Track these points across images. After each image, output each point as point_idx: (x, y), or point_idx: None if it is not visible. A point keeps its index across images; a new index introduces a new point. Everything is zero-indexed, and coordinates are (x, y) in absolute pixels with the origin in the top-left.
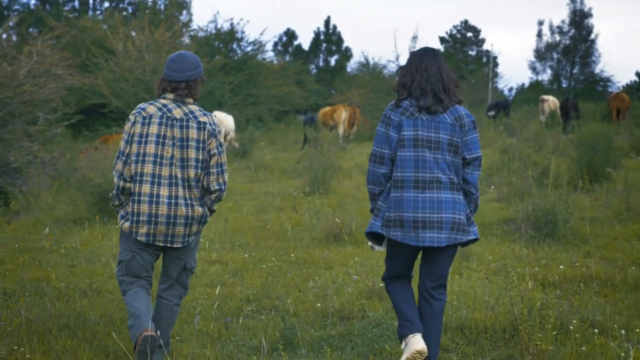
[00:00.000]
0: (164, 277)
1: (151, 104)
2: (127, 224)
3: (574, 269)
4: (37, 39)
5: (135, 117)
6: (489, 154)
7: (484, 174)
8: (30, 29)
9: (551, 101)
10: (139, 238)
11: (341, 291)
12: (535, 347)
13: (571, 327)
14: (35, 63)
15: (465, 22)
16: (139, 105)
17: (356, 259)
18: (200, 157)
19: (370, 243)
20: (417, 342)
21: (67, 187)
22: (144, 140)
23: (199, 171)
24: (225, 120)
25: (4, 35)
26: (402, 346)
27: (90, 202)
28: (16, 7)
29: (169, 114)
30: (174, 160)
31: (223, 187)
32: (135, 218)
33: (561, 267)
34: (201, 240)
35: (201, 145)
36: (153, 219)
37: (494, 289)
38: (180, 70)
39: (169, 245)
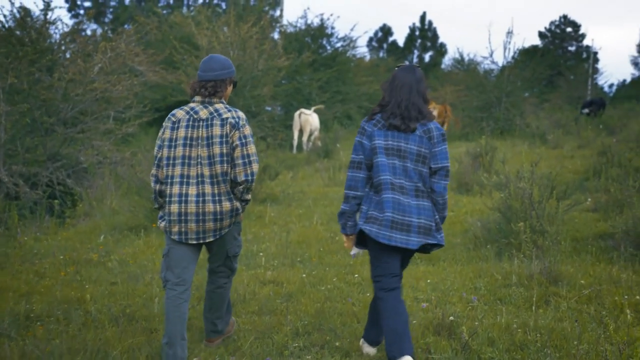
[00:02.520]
0: (211, 259)
1: (181, 108)
2: (162, 224)
3: None
4: (121, 35)
5: (166, 123)
6: (586, 155)
7: (578, 177)
8: (125, 26)
9: None
10: (172, 237)
11: None
12: None
13: None
14: (108, 59)
15: (565, 17)
16: (171, 112)
17: (428, 281)
18: (225, 151)
19: (353, 251)
20: None
21: (130, 191)
22: (173, 144)
23: (225, 165)
24: (310, 118)
25: (88, 32)
26: None
27: (148, 209)
28: (112, 3)
29: (195, 116)
30: (201, 160)
31: (250, 178)
32: (168, 218)
33: None
34: (260, 254)
35: (224, 139)
36: (183, 218)
37: (585, 326)
38: (209, 69)
39: (201, 241)
